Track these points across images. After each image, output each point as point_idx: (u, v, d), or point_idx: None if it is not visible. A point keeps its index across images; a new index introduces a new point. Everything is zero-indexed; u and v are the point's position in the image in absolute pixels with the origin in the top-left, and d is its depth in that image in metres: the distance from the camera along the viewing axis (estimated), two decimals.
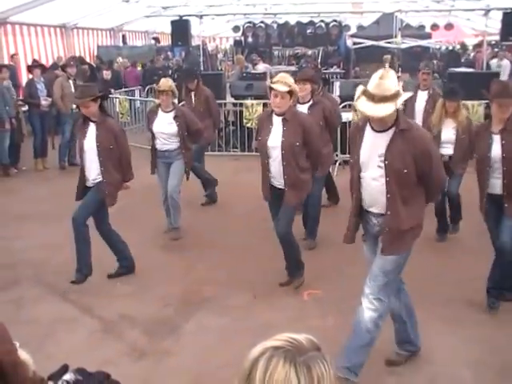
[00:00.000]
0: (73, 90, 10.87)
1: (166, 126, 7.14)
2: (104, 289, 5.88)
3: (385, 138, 3.93)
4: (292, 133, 5.38)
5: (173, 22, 14.75)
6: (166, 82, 7.23)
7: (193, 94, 8.77)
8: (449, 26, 16.23)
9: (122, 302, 5.58)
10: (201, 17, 15.95)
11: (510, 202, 5.05)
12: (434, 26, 16.84)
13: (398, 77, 15.30)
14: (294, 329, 1.60)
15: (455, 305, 5.46)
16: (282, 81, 5.33)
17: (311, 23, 18.74)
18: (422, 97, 8.17)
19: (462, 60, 19.93)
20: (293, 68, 17.96)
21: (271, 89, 5.38)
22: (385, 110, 3.75)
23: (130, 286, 5.85)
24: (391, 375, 4.36)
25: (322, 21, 18.56)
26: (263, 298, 5.64)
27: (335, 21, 18.52)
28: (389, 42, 17.22)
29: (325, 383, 1.43)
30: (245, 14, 18.33)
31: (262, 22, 18.84)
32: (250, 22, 18.89)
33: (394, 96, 3.79)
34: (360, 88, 3.93)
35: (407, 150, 3.87)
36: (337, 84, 12.75)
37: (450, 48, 23.88)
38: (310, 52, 19.49)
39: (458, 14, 18.74)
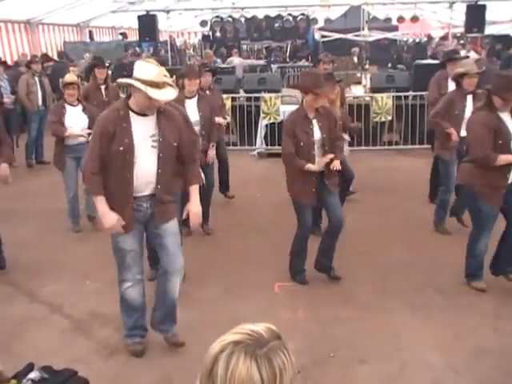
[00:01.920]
0: (39, 87, 10.74)
1: (77, 119, 7.17)
2: (74, 287, 5.82)
3: (152, 120, 4.17)
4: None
5: (140, 18, 14.65)
6: (72, 76, 7.47)
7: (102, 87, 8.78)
8: (415, 19, 16.38)
9: (93, 300, 5.52)
10: (168, 12, 15.86)
11: None
12: (401, 19, 16.98)
13: (366, 69, 15.54)
14: (264, 321, 1.59)
15: (425, 292, 5.54)
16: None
17: (279, 17, 18.77)
18: None
19: (429, 52, 20.12)
20: (262, 62, 18.00)
21: None
22: (173, 92, 4.11)
23: (101, 284, 5.79)
24: (362, 363, 4.39)
25: (289, 14, 18.60)
26: (234, 290, 5.64)
27: (303, 14, 18.57)
28: (356, 35, 17.32)
29: (286, 372, 1.44)
30: (212, 9, 18.24)
31: (229, 16, 18.80)
32: (217, 17, 18.84)
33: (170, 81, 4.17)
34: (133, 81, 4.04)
35: (173, 125, 4.24)
36: None
37: (417, 40, 24.12)
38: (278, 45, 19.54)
39: (424, 6, 18.89)
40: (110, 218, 4.19)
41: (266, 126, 11.36)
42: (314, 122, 5.43)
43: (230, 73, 13.60)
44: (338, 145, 5.63)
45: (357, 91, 12.66)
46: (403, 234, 7.07)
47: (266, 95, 11.37)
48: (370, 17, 17.20)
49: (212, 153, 6.83)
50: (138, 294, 4.52)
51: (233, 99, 11.70)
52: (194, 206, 4.40)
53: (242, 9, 17.87)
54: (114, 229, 4.23)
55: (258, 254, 6.46)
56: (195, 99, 6.64)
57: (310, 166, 5.32)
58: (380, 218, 7.64)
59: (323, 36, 18.32)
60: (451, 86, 7.44)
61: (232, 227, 7.44)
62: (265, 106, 11.27)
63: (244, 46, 20.77)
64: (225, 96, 11.42)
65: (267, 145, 11.34)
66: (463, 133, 6.26)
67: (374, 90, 12.00)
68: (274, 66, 17.12)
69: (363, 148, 11.27)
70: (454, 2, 14.65)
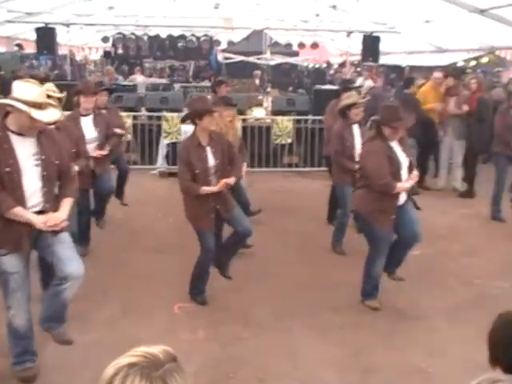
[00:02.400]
0: None
1: None
2: None
3: (32, 139, 4.11)
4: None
5: (38, 30, 14.19)
6: None
7: None
8: (314, 45, 16.92)
9: None
10: (68, 25, 15.49)
11: None
12: (301, 45, 17.47)
13: (268, 92, 15.77)
14: (164, 342, 1.59)
15: (321, 311, 5.68)
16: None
17: (182, 37, 18.82)
18: None
19: (328, 77, 20.82)
20: (164, 80, 17.93)
21: None
22: (56, 113, 4.09)
23: None
24: (261, 383, 4.44)
25: (193, 35, 18.69)
26: (132, 312, 5.55)
27: (206, 35, 18.71)
28: (259, 58, 17.63)
29: None
30: (115, 25, 18.02)
31: (132, 33, 18.64)
32: (120, 33, 18.62)
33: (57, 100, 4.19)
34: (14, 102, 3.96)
35: (53, 144, 4.21)
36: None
37: (317, 66, 24.88)
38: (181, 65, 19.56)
39: (324, 34, 19.58)
40: (39, 218, 4.07)
41: (168, 145, 11.32)
42: (208, 148, 5.49)
43: (132, 90, 13.46)
44: (236, 163, 5.74)
45: (258, 113, 12.86)
46: (301, 254, 7.24)
47: (168, 114, 11.34)
48: (272, 41, 17.60)
49: (103, 152, 6.69)
50: (24, 321, 4.29)
51: (134, 117, 11.58)
52: (61, 213, 4.21)
53: (146, 27, 17.78)
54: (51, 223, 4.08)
55: (158, 275, 6.40)
56: (91, 117, 6.53)
57: (204, 189, 5.38)
58: (279, 239, 7.78)
59: (226, 58, 18.52)
60: None
61: (131, 247, 7.32)
62: (166, 125, 11.24)
63: (147, 64, 20.61)
64: (126, 114, 11.33)
65: (168, 164, 11.29)
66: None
67: (275, 112, 12.26)
68: (176, 86, 17.10)
69: (264, 169, 11.44)
70: (351, 32, 15.28)
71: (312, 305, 5.80)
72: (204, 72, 19.86)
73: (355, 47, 16.41)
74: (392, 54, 23.02)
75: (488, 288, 6.26)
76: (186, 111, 11.64)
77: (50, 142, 4.19)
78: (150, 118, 11.72)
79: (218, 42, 18.76)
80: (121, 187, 8.32)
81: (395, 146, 5.54)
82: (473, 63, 17.18)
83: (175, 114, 11.32)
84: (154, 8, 19.93)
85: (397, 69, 20.76)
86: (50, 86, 4.34)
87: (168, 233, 7.81)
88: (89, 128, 6.41)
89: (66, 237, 4.30)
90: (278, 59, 18.33)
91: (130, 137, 11.49)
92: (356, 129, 7.08)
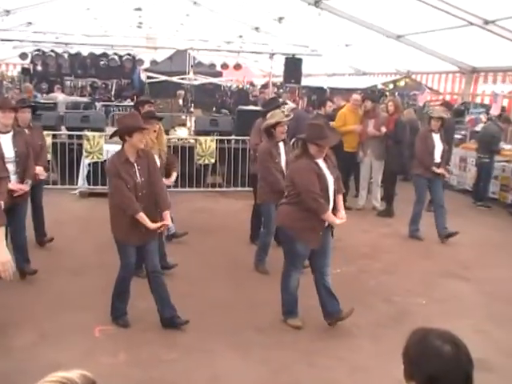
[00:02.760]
0: None
1: None
2: None
3: None
4: None
5: None
6: None
7: None
8: (238, 66, 17.03)
9: None
10: None
11: None
12: (224, 65, 17.57)
13: (191, 112, 15.76)
14: (84, 367, 1.55)
15: (244, 331, 5.68)
16: None
17: (104, 55, 18.59)
18: None
19: (251, 98, 21.03)
20: (85, 99, 17.62)
21: None
22: None
23: None
24: None
25: (115, 53, 18.48)
26: (51, 336, 5.36)
27: (129, 54, 18.54)
28: (182, 78, 17.60)
29: None
30: (33, 42, 17.57)
31: (52, 50, 18.24)
32: (39, 50, 18.17)
33: None
34: None
35: None
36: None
37: (240, 86, 25.11)
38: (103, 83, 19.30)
39: (247, 55, 19.79)
40: None
41: (89, 164, 11.10)
42: (135, 165, 5.42)
43: (52, 109, 13.12)
44: (162, 196, 5.63)
45: (181, 133, 12.83)
46: (224, 274, 7.22)
47: (90, 133, 11.13)
48: (196, 61, 17.62)
49: (24, 187, 6.36)
50: None
51: (54, 136, 11.30)
52: (1, 256, 3.93)
53: (66, 44, 17.44)
54: None
55: (78, 298, 6.22)
56: (10, 134, 6.29)
57: (142, 216, 5.31)
58: (202, 259, 7.74)
59: (149, 77, 18.38)
60: None
61: (50, 269, 7.09)
62: (88, 144, 11.02)
63: (67, 82, 20.21)
64: (45, 133, 11.02)
65: (89, 184, 11.06)
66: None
67: (199, 132, 12.26)
68: (98, 104, 16.85)
69: (187, 190, 11.40)
70: (274, 54, 15.51)
71: (235, 324, 5.79)
72: (126, 91, 19.65)
73: (278, 69, 16.67)
74: (314, 75, 23.57)
75: (407, 305, 6.44)
76: (112, 129, 11.53)
77: None
78: (70, 137, 11.46)
79: (141, 62, 18.61)
80: (40, 228, 7.93)
81: (321, 163, 5.63)
82: (391, 86, 17.78)
83: (97, 134, 11.13)
84: (74, 25, 19.68)
85: (318, 90, 21.22)
86: None
87: (88, 254, 7.62)
88: (7, 147, 6.15)
89: None
90: (202, 79, 18.34)
91: (49, 156, 11.20)
92: (282, 147, 7.20)
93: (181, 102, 18.20)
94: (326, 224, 5.67)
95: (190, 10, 20.19)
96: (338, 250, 8.36)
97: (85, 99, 17.38)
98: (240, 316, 5.97)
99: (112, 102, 18.25)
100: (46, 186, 10.89)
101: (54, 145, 11.28)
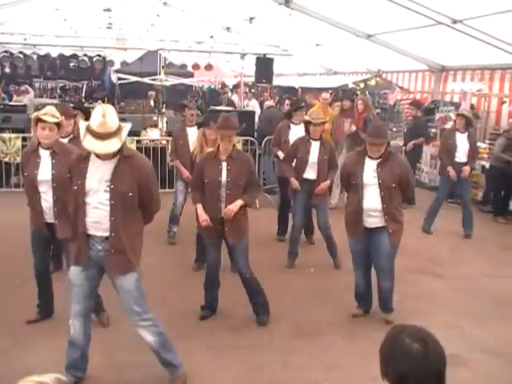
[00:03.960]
0: None
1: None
2: None
3: (110, 165, 4.18)
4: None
5: None
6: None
7: None
8: (209, 67, 16.98)
9: None
10: None
11: None
12: (196, 66, 17.50)
13: (163, 113, 15.70)
14: (59, 371, 1.54)
15: (219, 332, 5.68)
16: (51, 113, 5.21)
17: (74, 56, 18.35)
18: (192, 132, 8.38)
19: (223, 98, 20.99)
20: (56, 101, 17.42)
21: (38, 121, 5.18)
22: (113, 145, 4.06)
23: None
24: None
25: (85, 55, 18.29)
26: (24, 341, 5.30)
27: (99, 55, 18.37)
28: (153, 79, 17.51)
29: None
30: (1, 43, 17.31)
31: (20, 52, 17.98)
32: (6, 52, 17.89)
33: (118, 130, 4.09)
34: (83, 125, 4.13)
35: (131, 174, 4.19)
36: None
37: (212, 87, 25.05)
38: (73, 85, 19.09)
39: (218, 55, 19.76)
40: None
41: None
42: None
43: (22, 111, 12.95)
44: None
45: (153, 134, 12.76)
46: (197, 276, 7.15)
47: None
48: (167, 62, 17.55)
49: None
50: (78, 330, 4.50)
51: (23, 139, 11.15)
52: None
53: (35, 45, 17.23)
54: None
55: (54, 301, 6.14)
56: None
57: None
58: (176, 261, 7.70)
59: (120, 78, 18.25)
60: (292, 132, 8.52)
61: (26, 274, 6.98)
62: None
63: (37, 84, 19.95)
64: (15, 135, 10.95)
65: None
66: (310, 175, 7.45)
67: (171, 133, 12.16)
68: None
69: (160, 191, 11.27)
70: (245, 54, 15.52)
71: (209, 325, 5.79)
72: (97, 92, 19.46)
73: (249, 69, 16.68)
74: (285, 75, 23.64)
75: None
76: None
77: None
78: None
79: (112, 63, 18.47)
80: None
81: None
82: (362, 85, 17.90)
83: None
84: (43, 26, 19.43)
85: (290, 90, 21.29)
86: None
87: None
88: None
89: (130, 282, 4.43)
90: (173, 80, 18.29)
91: (19, 159, 11.06)
92: (315, 145, 7.56)
93: (152, 103, 18.12)
94: (379, 224, 5.78)
95: (160, 10, 20.10)
96: (312, 249, 8.43)
97: (55, 101, 17.17)
98: (214, 317, 5.96)
99: (83, 103, 18.05)
100: (16, 189, 10.84)
101: (24, 147, 11.10)
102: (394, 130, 15.55)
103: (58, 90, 20.06)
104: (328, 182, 7.54)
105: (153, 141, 12.10)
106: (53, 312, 5.83)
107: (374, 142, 5.65)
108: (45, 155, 5.31)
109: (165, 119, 13.98)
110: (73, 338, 4.52)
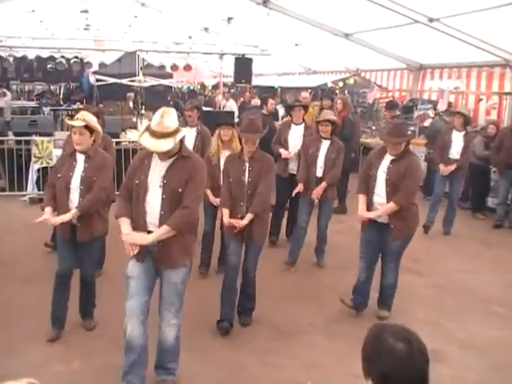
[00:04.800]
0: None
1: None
2: None
3: (167, 163, 4.39)
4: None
5: None
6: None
7: None
8: (188, 67, 16.93)
9: None
10: None
11: None
12: (174, 67, 17.45)
13: (142, 114, 15.65)
14: (38, 376, 1.52)
15: (201, 333, 5.67)
16: (81, 118, 5.25)
17: (51, 58, 18.18)
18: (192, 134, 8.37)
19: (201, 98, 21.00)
20: (33, 104, 17.30)
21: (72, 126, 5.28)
22: (165, 145, 4.21)
23: None
24: None
25: (62, 56, 18.13)
26: (3, 346, 5.24)
27: (77, 57, 18.24)
28: (132, 80, 17.44)
29: None
30: None
31: None
32: None
33: (174, 132, 4.26)
34: (144, 124, 4.52)
35: (184, 172, 4.36)
36: None
37: (191, 87, 25.02)
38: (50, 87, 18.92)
39: (197, 56, 19.74)
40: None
41: (38, 170, 10.89)
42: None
43: None
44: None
45: (132, 136, 12.69)
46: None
47: (38, 138, 10.92)
48: (145, 63, 17.48)
49: None
50: (135, 330, 4.37)
51: (0, 142, 11.06)
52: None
53: (11, 48, 17.06)
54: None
55: (29, 306, 6.10)
56: None
57: None
58: None
59: (98, 80, 18.14)
60: (292, 132, 8.51)
61: (1, 278, 6.94)
62: (36, 149, 10.81)
63: (14, 87, 19.77)
64: None
65: (39, 190, 10.85)
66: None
67: None
68: (46, 109, 16.54)
69: None
70: (223, 54, 15.51)
71: (189, 327, 5.74)
72: (75, 95, 19.33)
73: (228, 69, 16.67)
74: (264, 75, 23.66)
75: None
76: (62, 133, 11.32)
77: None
78: (18, 142, 11.22)
79: (90, 64, 18.31)
80: None
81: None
82: (341, 84, 17.96)
83: (45, 138, 10.92)
84: (19, 28, 19.23)
85: (269, 90, 21.31)
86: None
87: (40, 261, 7.46)
88: None
89: (177, 276, 4.54)
90: (152, 81, 18.23)
91: None
92: (325, 144, 7.69)
93: (131, 104, 18.05)
94: (383, 220, 5.95)
95: (137, 11, 20.00)
96: None
97: (32, 104, 17.04)
98: (194, 319, 5.93)
99: (61, 105, 17.94)
100: None
101: (1, 151, 11.04)
102: (374, 128, 15.63)
103: (35, 92, 19.92)
104: (324, 184, 7.49)
105: (132, 142, 12.03)
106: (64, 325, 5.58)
107: (391, 141, 5.82)
108: (80, 159, 5.37)
109: (144, 121, 13.89)
110: (129, 340, 4.38)
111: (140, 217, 4.41)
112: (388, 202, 5.84)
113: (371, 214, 5.93)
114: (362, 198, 6.07)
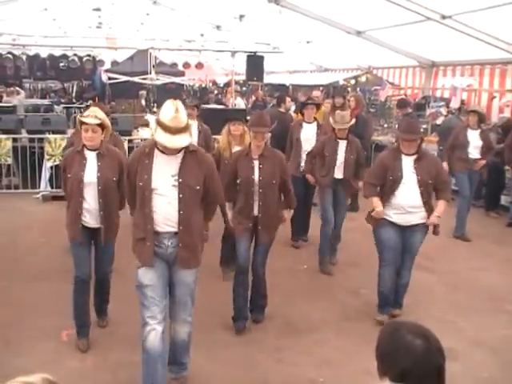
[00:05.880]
0: None
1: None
2: None
3: (177, 160, 4.21)
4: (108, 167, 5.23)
5: None
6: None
7: None
8: (199, 65, 16.96)
9: None
10: None
11: None
12: (186, 65, 17.48)
13: (154, 112, 15.68)
14: (50, 372, 1.53)
15: (211, 330, 5.68)
16: (93, 115, 5.14)
17: (64, 56, 18.25)
18: None
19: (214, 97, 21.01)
20: (46, 101, 17.36)
21: (82, 123, 5.13)
22: (183, 140, 4.12)
23: None
24: None
25: (75, 54, 18.21)
26: (16, 343, 5.29)
27: (89, 55, 18.31)
28: (144, 78, 17.48)
29: None
30: None
31: (9, 52, 17.88)
32: None
33: (188, 126, 4.18)
34: (152, 119, 4.25)
35: (198, 168, 4.25)
36: None
37: (203, 85, 25.05)
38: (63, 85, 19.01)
39: (208, 54, 19.74)
40: None
41: (51, 167, 10.95)
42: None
43: (11, 112, 12.91)
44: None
45: (144, 134, 12.72)
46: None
47: (51, 136, 10.98)
48: (157, 61, 17.52)
49: None
50: (156, 339, 4.21)
51: (14, 140, 11.12)
52: None
53: (24, 46, 17.15)
54: None
55: (42, 303, 6.15)
56: None
57: None
58: None
59: (110, 78, 18.19)
60: (305, 130, 8.46)
61: (14, 275, 6.99)
62: (49, 147, 10.88)
63: (26, 85, 19.86)
64: (5, 136, 10.89)
65: (52, 187, 10.92)
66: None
67: None
68: (58, 107, 16.60)
69: None
70: (235, 52, 15.50)
71: (202, 324, 5.76)
72: (87, 93, 19.38)
73: (240, 67, 16.67)
74: (276, 73, 23.64)
75: (373, 297, 6.47)
76: (70, 133, 11.37)
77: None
78: (31, 140, 11.29)
79: (102, 62, 18.37)
80: None
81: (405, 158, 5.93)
82: (352, 82, 17.92)
83: (58, 136, 10.98)
84: (32, 27, 19.33)
85: (281, 87, 21.29)
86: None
87: (52, 258, 7.51)
88: None
89: (191, 276, 4.51)
90: (164, 79, 18.26)
91: (10, 160, 11.04)
92: (342, 145, 7.59)
93: (143, 102, 18.08)
94: (415, 221, 5.86)
95: (150, 9, 20.03)
96: (304, 246, 8.46)
97: (45, 101, 17.11)
98: (207, 315, 5.95)
99: (73, 103, 18.00)
100: (7, 191, 10.81)
101: (15, 148, 11.11)
102: (385, 126, 15.57)
103: (49, 91, 19.99)
104: (361, 182, 7.37)
105: (144, 140, 12.06)
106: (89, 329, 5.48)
107: (407, 138, 5.73)
108: (91, 157, 5.20)
109: (149, 115, 13.90)
110: (148, 350, 4.22)
111: (147, 221, 4.23)
112: (424, 200, 5.80)
113: (433, 219, 5.87)
114: (377, 201, 5.92)
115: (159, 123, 4.12)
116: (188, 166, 4.24)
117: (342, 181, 7.55)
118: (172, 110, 4.09)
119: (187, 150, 4.26)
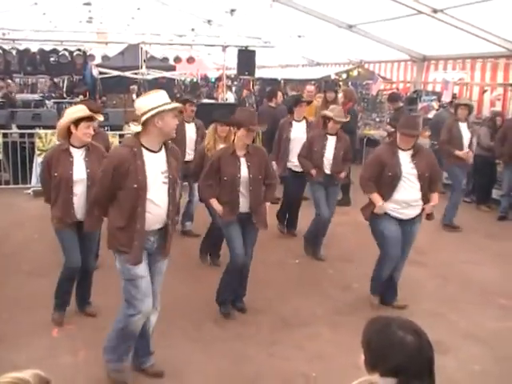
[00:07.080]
0: None
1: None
2: None
3: (162, 157, 4.26)
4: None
5: None
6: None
7: None
8: (191, 60, 16.92)
9: None
10: None
11: None
12: (177, 59, 17.42)
13: None
14: (44, 368, 1.53)
15: (204, 326, 5.69)
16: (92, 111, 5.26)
17: (54, 51, 18.15)
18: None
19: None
20: (36, 96, 17.29)
21: (81, 120, 5.16)
22: (166, 96, 4.31)
23: None
24: None
25: (65, 49, 18.11)
26: (8, 339, 5.26)
27: (80, 50, 18.22)
28: (135, 73, 17.43)
29: None
30: None
31: None
32: None
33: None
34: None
35: (177, 163, 4.42)
36: None
37: (194, 80, 24.96)
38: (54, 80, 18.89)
39: (200, 48, 19.68)
40: None
41: (42, 163, 10.89)
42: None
43: (1, 107, 12.83)
44: None
45: (136, 129, 12.68)
46: (183, 269, 7.16)
47: (42, 131, 10.93)
48: (148, 55, 17.46)
49: None
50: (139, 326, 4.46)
51: (4, 135, 11.06)
52: None
53: (14, 40, 17.03)
54: None
55: (35, 298, 6.12)
56: None
57: None
58: None
59: (101, 73, 18.12)
60: (295, 129, 8.41)
61: (6, 271, 6.96)
62: (40, 142, 10.82)
63: (17, 80, 19.75)
64: None
65: None
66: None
67: None
68: (49, 102, 16.52)
69: None
70: (226, 46, 15.47)
71: (194, 318, 5.79)
72: (78, 87, 19.28)
73: (231, 61, 16.63)
74: (267, 67, 23.60)
75: (365, 292, 6.49)
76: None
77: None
78: (21, 135, 11.23)
79: (93, 57, 18.28)
80: None
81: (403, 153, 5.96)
82: (344, 76, 17.90)
83: (49, 131, 10.93)
84: (22, 21, 19.19)
85: (273, 82, 21.25)
86: None
87: (45, 254, 7.48)
88: None
89: (165, 266, 4.63)
90: (155, 74, 18.20)
91: (0, 155, 10.99)
92: (331, 140, 7.60)
93: (134, 96, 18.00)
94: (414, 214, 5.95)
95: (140, 3, 19.92)
96: (296, 240, 8.46)
97: (35, 96, 17.03)
98: (199, 310, 5.96)
99: (64, 98, 17.92)
100: None
101: (5, 144, 11.05)
102: (377, 120, 15.59)
103: (39, 85, 19.90)
104: (344, 173, 7.65)
105: None
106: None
107: (410, 134, 5.75)
108: (77, 154, 5.23)
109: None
110: (136, 331, 4.48)
111: (138, 220, 4.18)
112: (422, 194, 5.86)
113: (430, 208, 5.97)
114: (377, 196, 5.91)
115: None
116: (171, 161, 4.31)
117: (330, 176, 7.55)
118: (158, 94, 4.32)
119: (167, 146, 4.30)
